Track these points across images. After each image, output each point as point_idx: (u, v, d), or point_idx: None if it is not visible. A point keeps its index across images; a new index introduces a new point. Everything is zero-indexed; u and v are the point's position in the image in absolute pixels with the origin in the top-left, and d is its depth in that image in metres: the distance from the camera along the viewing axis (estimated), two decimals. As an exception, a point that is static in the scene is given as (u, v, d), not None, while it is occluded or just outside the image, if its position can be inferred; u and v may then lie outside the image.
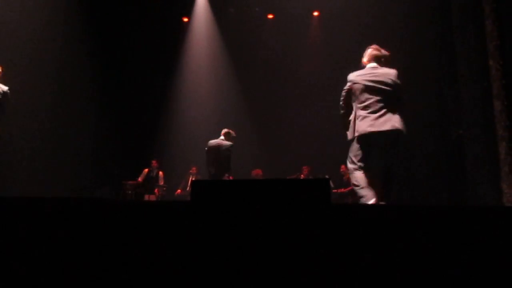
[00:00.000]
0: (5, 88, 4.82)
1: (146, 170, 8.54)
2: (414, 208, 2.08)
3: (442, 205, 4.73)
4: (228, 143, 6.44)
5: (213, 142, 6.49)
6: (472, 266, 1.78)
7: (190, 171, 8.51)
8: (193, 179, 7.91)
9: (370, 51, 4.06)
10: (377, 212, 2.04)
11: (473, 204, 5.07)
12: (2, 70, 4.89)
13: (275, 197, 1.86)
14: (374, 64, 3.95)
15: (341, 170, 7.80)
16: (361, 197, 3.70)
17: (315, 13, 9.33)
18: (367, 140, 3.74)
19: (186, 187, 8.40)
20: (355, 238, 1.86)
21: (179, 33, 9.62)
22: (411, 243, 1.85)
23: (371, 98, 3.78)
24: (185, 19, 9.73)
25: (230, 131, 6.62)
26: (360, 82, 3.84)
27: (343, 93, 3.97)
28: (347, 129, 3.91)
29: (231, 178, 6.39)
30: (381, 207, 2.85)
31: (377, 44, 4.14)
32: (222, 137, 6.51)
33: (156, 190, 8.42)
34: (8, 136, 5.11)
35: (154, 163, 8.56)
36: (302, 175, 7.98)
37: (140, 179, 8.39)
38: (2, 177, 5.90)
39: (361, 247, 1.84)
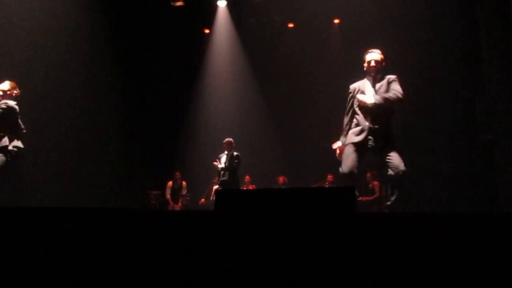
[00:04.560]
0: (13, 103, 4.70)
1: (170, 183, 8.61)
2: (442, 216, 2.02)
3: (471, 212, 4.59)
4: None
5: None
6: (504, 274, 1.72)
7: (214, 180, 8.54)
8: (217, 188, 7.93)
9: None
10: (404, 220, 1.99)
11: (503, 211, 4.91)
12: (12, 87, 4.77)
13: (299, 206, 1.84)
14: None
15: (366, 177, 7.69)
16: None
17: (336, 21, 9.29)
18: None
19: (210, 197, 8.43)
20: (381, 247, 1.82)
21: (200, 44, 9.74)
22: (439, 252, 1.79)
23: None
24: (207, 31, 9.85)
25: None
26: None
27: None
28: None
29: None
30: (408, 215, 2.79)
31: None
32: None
33: (180, 200, 8.48)
34: (31, 147, 5.18)
35: (177, 174, 8.64)
36: (326, 183, 7.90)
37: (168, 195, 8.48)
38: (27, 187, 6.03)
39: (387, 256, 1.80)
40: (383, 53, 4.10)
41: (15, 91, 4.79)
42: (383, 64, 4.06)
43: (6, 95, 4.71)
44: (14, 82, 4.86)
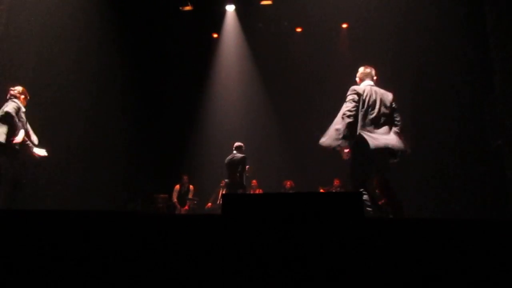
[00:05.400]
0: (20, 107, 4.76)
1: (178, 186, 8.63)
2: (450, 221, 2.00)
3: (480, 218, 4.54)
4: (240, 155, 6.59)
5: (228, 157, 6.80)
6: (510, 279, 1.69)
7: (221, 184, 8.54)
8: (224, 192, 7.93)
9: (363, 70, 4.34)
10: (411, 225, 1.98)
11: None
12: (22, 90, 4.85)
13: (306, 211, 1.83)
14: (370, 82, 4.20)
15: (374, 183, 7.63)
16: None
17: (344, 25, 9.28)
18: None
19: (217, 201, 8.43)
20: (389, 252, 1.81)
21: (209, 48, 9.78)
22: (447, 257, 1.78)
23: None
24: (215, 35, 9.89)
25: (241, 144, 6.88)
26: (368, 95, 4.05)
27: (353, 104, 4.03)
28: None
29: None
30: (415, 220, 2.77)
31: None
32: (234, 151, 6.72)
33: (187, 204, 8.49)
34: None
35: (185, 178, 8.66)
36: (333, 188, 7.88)
37: (175, 198, 8.50)
38: (36, 191, 6.07)
39: (395, 261, 1.78)
40: (376, 72, 4.34)
41: (22, 96, 4.84)
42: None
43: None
44: (23, 87, 4.93)
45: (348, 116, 3.94)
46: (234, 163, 6.68)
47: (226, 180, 6.86)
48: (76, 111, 7.23)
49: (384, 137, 3.88)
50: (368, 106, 3.99)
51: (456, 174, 6.41)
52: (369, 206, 3.90)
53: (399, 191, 6.15)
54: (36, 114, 5.04)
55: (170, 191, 8.60)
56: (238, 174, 6.61)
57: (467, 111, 6.38)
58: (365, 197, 3.87)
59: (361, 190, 3.93)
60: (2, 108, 4.67)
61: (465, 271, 1.73)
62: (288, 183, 8.42)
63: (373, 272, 1.74)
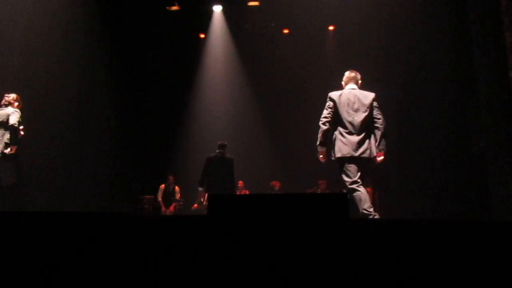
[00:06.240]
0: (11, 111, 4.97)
1: (163, 186, 8.58)
2: (433, 223, 2.03)
3: (463, 219, 4.62)
4: (230, 156, 6.49)
5: (214, 155, 6.53)
6: (493, 282, 1.73)
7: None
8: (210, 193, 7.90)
9: (348, 74, 4.38)
10: (396, 226, 2.00)
11: (494, 219, 4.94)
12: (16, 98, 5.07)
13: (292, 212, 1.84)
14: (353, 86, 4.24)
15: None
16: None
17: (331, 28, 9.35)
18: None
19: (203, 202, 8.39)
20: (374, 252, 1.83)
21: (196, 48, 9.75)
22: (431, 259, 1.80)
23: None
24: (202, 35, 9.86)
25: (226, 143, 6.69)
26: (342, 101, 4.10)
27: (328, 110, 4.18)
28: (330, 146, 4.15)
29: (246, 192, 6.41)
30: (400, 221, 2.80)
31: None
32: (218, 150, 6.57)
33: (173, 205, 8.45)
34: (23, 151, 5.29)
35: (170, 178, 8.62)
36: (319, 190, 7.91)
37: (159, 197, 8.45)
38: (21, 192, 5.98)
39: (380, 262, 1.80)
40: (362, 77, 4.40)
41: (16, 103, 5.06)
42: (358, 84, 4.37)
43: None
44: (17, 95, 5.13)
45: (323, 123, 4.13)
46: (226, 162, 6.45)
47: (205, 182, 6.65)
48: (61, 111, 7.14)
49: (354, 144, 3.96)
50: (344, 110, 4.05)
51: (439, 175, 6.50)
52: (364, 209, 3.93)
53: (383, 192, 6.20)
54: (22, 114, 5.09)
55: (156, 192, 8.55)
56: (231, 175, 6.47)
57: (451, 114, 6.48)
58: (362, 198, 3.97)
59: (355, 191, 3.98)
60: (2, 112, 4.90)
61: (448, 272, 1.76)
62: (274, 184, 8.44)
63: (358, 273, 1.76)
